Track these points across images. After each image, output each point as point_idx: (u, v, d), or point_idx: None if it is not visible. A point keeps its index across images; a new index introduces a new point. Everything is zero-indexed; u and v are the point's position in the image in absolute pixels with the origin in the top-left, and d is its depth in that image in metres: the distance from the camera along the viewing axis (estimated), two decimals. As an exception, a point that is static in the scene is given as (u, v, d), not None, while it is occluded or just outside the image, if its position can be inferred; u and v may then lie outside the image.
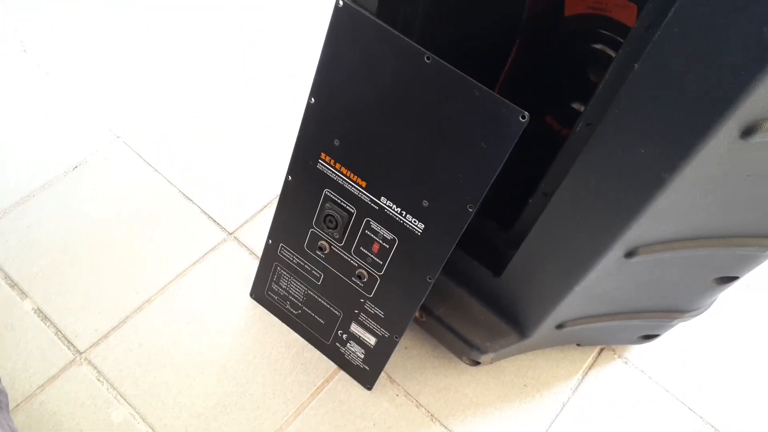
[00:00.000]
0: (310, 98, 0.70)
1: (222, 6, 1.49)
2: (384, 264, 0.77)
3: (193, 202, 1.10)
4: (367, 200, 0.73)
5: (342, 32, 0.63)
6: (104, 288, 0.99)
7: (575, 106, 0.84)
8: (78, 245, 1.03)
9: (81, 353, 0.92)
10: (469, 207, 0.65)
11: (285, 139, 1.23)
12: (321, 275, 0.86)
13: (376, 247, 0.76)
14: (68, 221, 1.06)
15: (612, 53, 0.75)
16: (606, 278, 0.70)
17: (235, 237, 1.08)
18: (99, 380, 0.90)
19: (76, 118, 1.21)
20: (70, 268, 1.00)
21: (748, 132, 0.47)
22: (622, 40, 0.67)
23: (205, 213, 1.09)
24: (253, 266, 1.01)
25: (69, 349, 0.93)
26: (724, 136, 0.47)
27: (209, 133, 1.21)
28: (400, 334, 0.83)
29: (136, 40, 1.37)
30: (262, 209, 1.12)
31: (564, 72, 0.83)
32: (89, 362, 0.92)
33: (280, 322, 0.98)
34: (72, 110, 1.22)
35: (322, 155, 0.74)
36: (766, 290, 1.14)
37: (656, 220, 0.60)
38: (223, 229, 1.08)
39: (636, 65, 0.48)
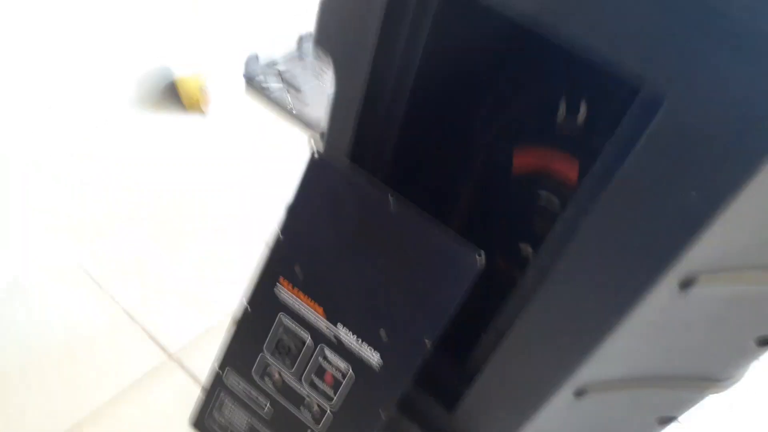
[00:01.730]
0: (277, 234, 0.72)
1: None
2: (336, 396, 0.76)
3: (136, 321, 1.07)
4: (323, 327, 0.73)
5: (314, 180, 0.67)
6: (30, 413, 0.92)
7: (522, 248, 0.89)
8: (9, 366, 0.97)
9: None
10: (427, 341, 0.66)
11: (237, 264, 1.23)
12: (267, 405, 0.84)
13: (328, 378, 0.75)
14: (2, 341, 1.00)
15: (556, 201, 0.81)
16: (556, 417, 0.72)
17: (176, 359, 1.04)
18: None
19: (14, 234, 1.18)
20: (-6, 388, 0.94)
21: (686, 284, 0.51)
22: (565, 192, 0.74)
23: (147, 333, 1.06)
24: (193, 391, 0.96)
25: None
26: (665, 288, 0.52)
27: (157, 252, 1.19)
28: (347, 471, 0.80)
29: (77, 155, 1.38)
30: (207, 331, 1.09)
31: (512, 216, 0.89)
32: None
33: (218, 454, 0.92)
34: (6, 227, 1.19)
35: (281, 280, 0.74)
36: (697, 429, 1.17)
37: (604, 361, 0.63)
38: (165, 350, 1.04)
39: (585, 218, 0.53)
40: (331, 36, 0.56)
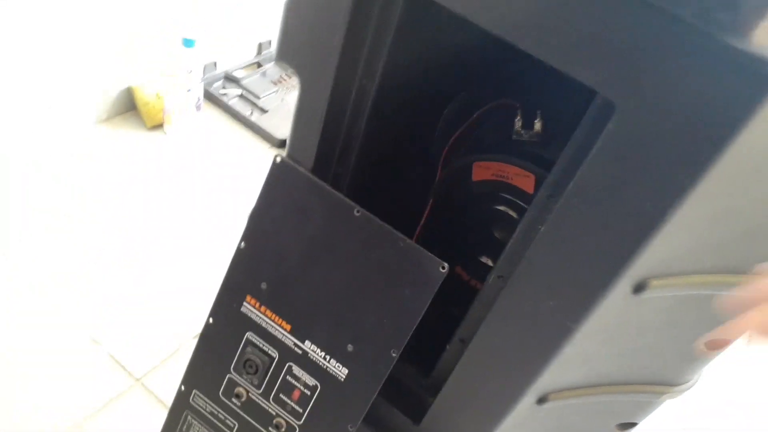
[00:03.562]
0: (240, 243, 0.72)
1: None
2: (304, 412, 0.76)
3: (102, 345, 1.05)
4: (290, 344, 0.74)
5: (277, 185, 0.68)
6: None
7: (483, 258, 0.91)
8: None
9: None
10: (393, 352, 0.67)
11: (204, 282, 1.22)
12: (235, 426, 0.83)
13: (296, 394, 0.76)
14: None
15: (513, 213, 0.84)
16: (520, 425, 0.73)
17: (142, 383, 1.02)
18: None
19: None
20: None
21: (638, 288, 0.54)
22: (522, 203, 0.76)
23: (112, 357, 1.04)
24: (159, 415, 0.95)
25: None
26: (619, 292, 0.54)
27: (122, 274, 1.18)
28: (316, 488, 0.79)
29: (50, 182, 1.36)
30: (173, 353, 1.08)
31: (472, 228, 0.91)
32: None
33: (185, 477, 0.91)
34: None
35: (248, 298, 0.75)
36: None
37: (563, 367, 0.65)
38: (130, 374, 1.03)
39: (541, 227, 0.55)
40: (294, 50, 0.57)
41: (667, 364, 0.71)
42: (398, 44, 0.62)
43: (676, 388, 0.76)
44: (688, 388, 0.78)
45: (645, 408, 0.79)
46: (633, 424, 0.82)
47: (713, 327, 0.66)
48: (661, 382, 0.74)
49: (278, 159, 0.67)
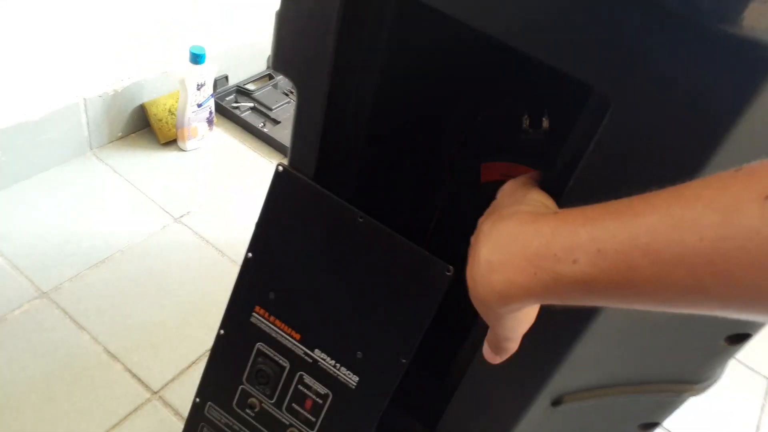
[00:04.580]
0: (247, 253, 0.73)
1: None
2: (317, 421, 0.76)
3: (118, 360, 1.06)
4: (301, 353, 0.74)
5: (281, 193, 0.68)
6: (8, 458, 0.91)
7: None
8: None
9: None
10: (403, 358, 0.67)
11: (216, 294, 1.23)
12: (251, 435, 0.83)
13: (308, 404, 0.75)
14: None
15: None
16: (537, 427, 0.72)
17: (159, 396, 1.03)
18: None
19: (-1, 273, 1.17)
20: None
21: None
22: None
23: (129, 371, 1.05)
24: (177, 428, 0.96)
25: None
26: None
27: (135, 287, 1.19)
28: (333, 498, 0.79)
29: (59, 191, 1.39)
30: (189, 366, 1.09)
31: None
32: None
33: (204, 490, 0.91)
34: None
35: (257, 308, 0.75)
36: None
37: (577, 367, 0.63)
38: (148, 388, 1.03)
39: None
40: (288, 59, 0.57)
41: (686, 362, 0.70)
42: (394, 49, 0.62)
43: (697, 386, 0.74)
44: (710, 386, 0.76)
45: (666, 407, 0.77)
46: (655, 424, 0.80)
47: (735, 321, 0.65)
48: (681, 380, 0.72)
49: (280, 168, 0.67)
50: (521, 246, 0.39)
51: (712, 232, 0.28)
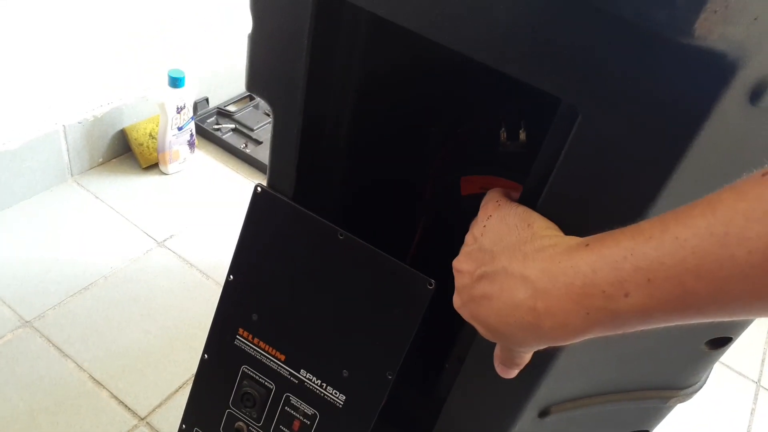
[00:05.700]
0: (228, 275, 0.72)
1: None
2: (305, 442, 0.75)
3: (104, 387, 1.05)
4: (286, 374, 0.73)
5: (260, 214, 0.68)
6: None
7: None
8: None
9: None
10: (388, 374, 0.66)
11: (201, 317, 1.22)
12: (239, 459, 0.82)
13: (296, 425, 0.75)
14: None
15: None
16: (525, 440, 0.71)
17: (147, 422, 1.01)
18: None
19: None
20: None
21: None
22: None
23: (115, 398, 1.04)
24: (165, 455, 0.94)
25: None
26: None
27: (119, 313, 1.18)
28: None
29: (45, 217, 1.37)
30: (176, 391, 1.07)
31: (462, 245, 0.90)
32: None
33: None
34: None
35: (240, 331, 0.74)
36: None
37: (562, 377, 0.63)
38: (135, 414, 1.02)
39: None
40: (262, 80, 0.57)
41: (669, 368, 0.70)
42: (369, 67, 0.62)
43: (682, 392, 0.75)
44: (695, 391, 0.76)
45: (654, 415, 0.78)
46: (645, 432, 0.80)
47: (716, 325, 0.65)
48: (665, 387, 0.72)
49: (259, 189, 0.67)
50: (564, 288, 0.37)
51: (759, 243, 0.29)
